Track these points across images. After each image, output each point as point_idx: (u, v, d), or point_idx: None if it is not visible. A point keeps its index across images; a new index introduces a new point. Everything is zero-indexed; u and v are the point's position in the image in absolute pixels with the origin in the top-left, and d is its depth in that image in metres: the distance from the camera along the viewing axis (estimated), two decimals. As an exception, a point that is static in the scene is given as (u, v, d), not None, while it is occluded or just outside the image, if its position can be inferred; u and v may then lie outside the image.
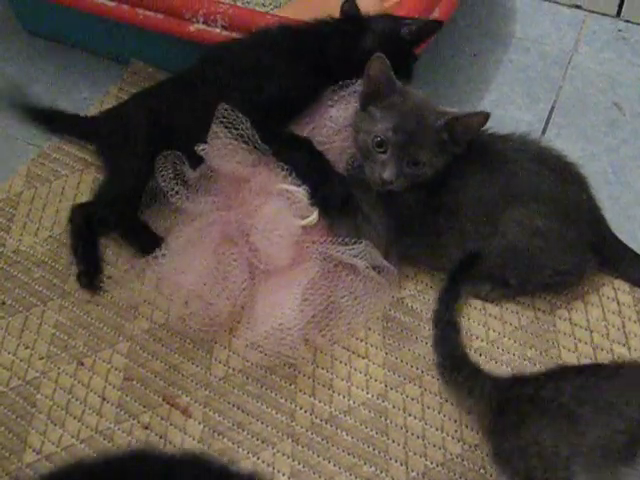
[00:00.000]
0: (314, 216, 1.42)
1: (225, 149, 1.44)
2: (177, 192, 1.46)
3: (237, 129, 1.43)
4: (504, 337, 1.40)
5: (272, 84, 1.47)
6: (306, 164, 1.44)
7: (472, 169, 1.38)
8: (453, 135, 1.36)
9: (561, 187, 1.38)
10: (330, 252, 1.40)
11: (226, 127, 1.43)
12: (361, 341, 1.40)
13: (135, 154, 1.52)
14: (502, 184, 1.36)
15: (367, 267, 1.39)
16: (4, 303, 1.49)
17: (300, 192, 1.42)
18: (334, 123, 1.49)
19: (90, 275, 1.50)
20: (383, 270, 1.42)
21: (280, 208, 1.41)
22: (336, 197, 1.43)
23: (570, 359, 1.36)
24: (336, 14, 1.57)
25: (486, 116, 1.34)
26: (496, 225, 1.36)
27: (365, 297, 1.42)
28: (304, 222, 1.41)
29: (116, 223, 1.54)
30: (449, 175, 1.38)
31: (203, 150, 1.44)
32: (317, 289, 1.38)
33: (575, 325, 1.41)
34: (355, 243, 1.40)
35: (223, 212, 1.45)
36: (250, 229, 1.41)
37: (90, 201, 1.59)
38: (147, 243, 1.49)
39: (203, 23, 1.63)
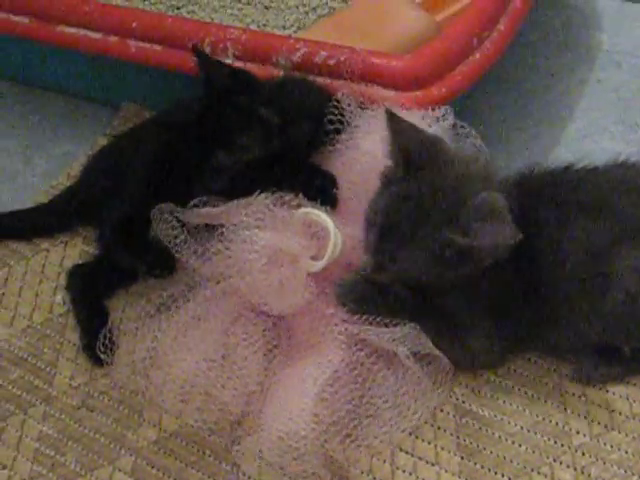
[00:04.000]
0: (321, 263, 1.42)
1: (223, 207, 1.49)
2: (181, 243, 1.49)
3: None
4: (612, 430, 1.38)
5: None
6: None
7: (564, 217, 1.37)
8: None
9: None
10: (363, 335, 1.39)
11: None
12: (429, 443, 1.40)
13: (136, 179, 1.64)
14: (607, 225, 1.35)
15: (409, 356, 1.37)
16: (-25, 412, 1.52)
17: (331, 226, 1.42)
18: (370, 157, 1.50)
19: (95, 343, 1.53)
20: (433, 362, 1.41)
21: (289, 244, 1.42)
22: None
23: (701, 455, 1.35)
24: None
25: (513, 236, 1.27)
26: (608, 278, 1.34)
27: (405, 397, 1.40)
28: (314, 267, 1.42)
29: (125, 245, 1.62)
30: (535, 232, 1.37)
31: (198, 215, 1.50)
32: (341, 386, 1.37)
33: None
34: (397, 325, 1.38)
35: (234, 281, 1.46)
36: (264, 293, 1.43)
37: (87, 261, 1.68)
38: (162, 262, 1.56)
39: (211, 54, 1.67)
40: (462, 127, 1.53)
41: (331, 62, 1.60)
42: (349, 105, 1.57)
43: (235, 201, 1.47)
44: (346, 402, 1.37)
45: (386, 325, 1.39)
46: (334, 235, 1.41)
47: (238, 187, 1.50)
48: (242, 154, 1.51)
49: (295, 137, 1.54)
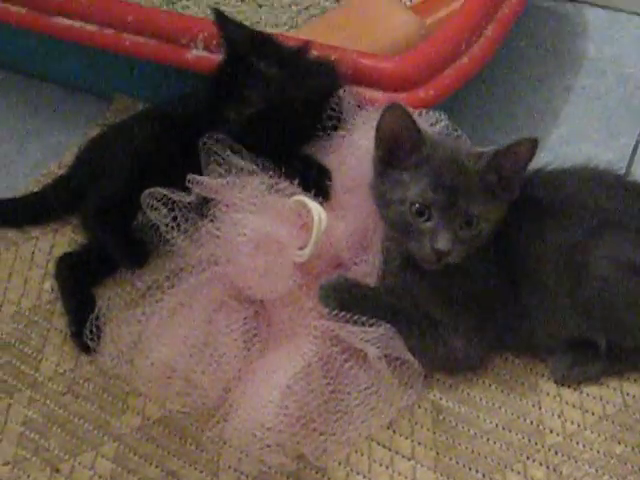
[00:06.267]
0: (307, 250, 1.42)
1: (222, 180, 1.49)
2: (172, 226, 1.48)
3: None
4: (585, 430, 1.39)
5: None
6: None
7: (540, 214, 1.40)
8: (501, 175, 1.35)
9: None
10: (338, 332, 1.40)
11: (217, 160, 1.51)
12: (406, 438, 1.41)
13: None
14: (581, 220, 1.38)
15: (380, 358, 1.38)
16: (-40, 395, 1.51)
17: (315, 210, 1.42)
18: (364, 153, 1.49)
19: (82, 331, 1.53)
20: (404, 365, 1.42)
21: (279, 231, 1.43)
22: None
23: (669, 456, 1.36)
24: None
25: (534, 142, 1.34)
26: (584, 268, 1.36)
27: (375, 396, 1.40)
28: (300, 257, 1.42)
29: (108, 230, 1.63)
30: (513, 231, 1.40)
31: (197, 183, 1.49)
32: (311, 381, 1.37)
33: (675, 413, 1.41)
34: (373, 325, 1.39)
35: (220, 267, 1.47)
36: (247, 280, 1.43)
37: (76, 250, 1.68)
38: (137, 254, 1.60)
39: (204, 49, 1.68)
40: (455, 131, 1.52)
41: (322, 61, 1.61)
42: (349, 103, 1.57)
43: (233, 177, 1.48)
44: (316, 397, 1.37)
45: (362, 324, 1.39)
46: (318, 219, 1.41)
47: (246, 140, 1.52)
48: (246, 107, 1.53)
49: (294, 94, 1.54)
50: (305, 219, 1.44)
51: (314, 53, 1.59)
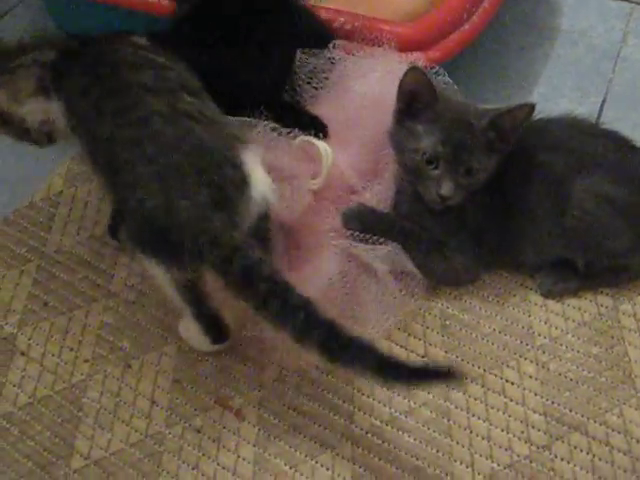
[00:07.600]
0: (320, 179, 1.39)
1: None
2: None
3: None
4: (567, 334, 1.37)
5: None
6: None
7: (530, 153, 1.37)
8: (500, 132, 1.33)
9: (623, 154, 1.38)
10: (353, 250, 1.37)
11: None
12: (419, 340, 1.37)
13: None
14: (565, 159, 1.36)
15: (389, 272, 1.35)
16: (47, 304, 1.47)
17: (322, 146, 1.39)
18: (359, 96, 1.46)
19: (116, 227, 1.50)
20: (408, 277, 1.38)
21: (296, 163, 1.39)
22: None
23: (636, 355, 1.33)
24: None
25: (531, 107, 1.31)
26: (567, 199, 1.34)
27: (384, 303, 1.37)
28: (315, 185, 1.39)
29: None
30: (507, 167, 1.36)
31: None
32: (333, 291, 1.34)
33: (640, 321, 1.38)
34: (382, 244, 1.37)
35: None
36: None
37: None
38: None
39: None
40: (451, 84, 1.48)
41: (348, 27, 1.55)
42: (338, 52, 1.52)
43: (244, 118, 1.42)
44: (336, 304, 1.33)
45: (373, 243, 1.37)
46: (325, 153, 1.39)
47: None
48: None
49: None
50: (311, 154, 1.41)
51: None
